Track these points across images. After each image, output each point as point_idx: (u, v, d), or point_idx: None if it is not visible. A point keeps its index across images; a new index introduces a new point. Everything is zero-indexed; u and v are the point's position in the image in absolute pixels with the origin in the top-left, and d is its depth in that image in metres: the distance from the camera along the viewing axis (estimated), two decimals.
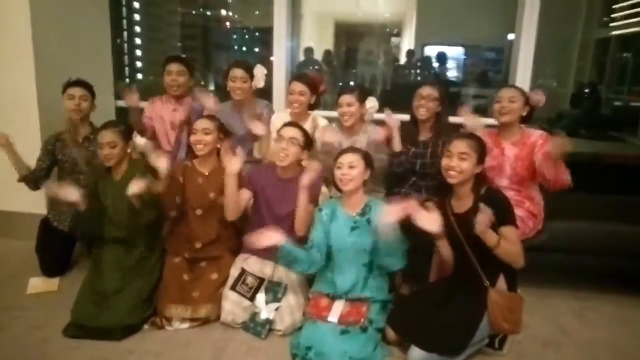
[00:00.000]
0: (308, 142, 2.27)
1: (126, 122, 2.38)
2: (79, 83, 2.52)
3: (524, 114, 2.33)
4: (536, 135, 2.32)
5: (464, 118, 2.31)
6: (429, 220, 1.82)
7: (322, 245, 2.08)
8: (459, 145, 1.89)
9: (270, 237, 1.92)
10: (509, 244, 1.79)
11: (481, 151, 1.91)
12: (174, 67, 2.68)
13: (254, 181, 2.28)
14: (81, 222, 2.28)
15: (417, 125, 2.55)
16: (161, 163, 2.12)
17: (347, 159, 2.02)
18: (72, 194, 2.09)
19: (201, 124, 2.26)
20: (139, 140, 2.29)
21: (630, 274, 2.57)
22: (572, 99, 4.21)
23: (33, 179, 2.48)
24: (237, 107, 2.73)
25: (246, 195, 2.23)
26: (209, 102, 2.53)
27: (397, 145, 2.48)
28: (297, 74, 2.91)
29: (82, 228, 2.34)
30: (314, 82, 2.63)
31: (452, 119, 2.61)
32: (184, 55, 3.12)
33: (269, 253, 2.23)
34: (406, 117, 2.64)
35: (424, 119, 2.48)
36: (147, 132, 2.75)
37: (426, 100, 2.45)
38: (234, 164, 2.09)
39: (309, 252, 2.06)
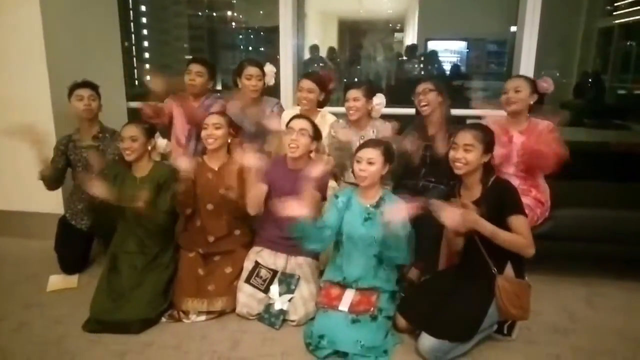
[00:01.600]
0: (317, 134, 2.32)
1: (147, 123, 2.44)
2: (86, 84, 2.58)
3: (532, 102, 2.37)
4: (543, 124, 2.36)
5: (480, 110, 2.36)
6: (450, 216, 1.84)
7: (333, 227, 2.10)
8: (465, 137, 1.92)
9: (294, 208, 1.93)
10: (510, 234, 1.82)
11: (487, 141, 1.93)
12: (193, 67, 2.76)
13: (266, 174, 2.32)
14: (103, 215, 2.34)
15: (423, 119, 2.59)
16: (183, 163, 2.18)
17: (367, 154, 2.04)
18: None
19: (212, 119, 2.32)
20: (160, 141, 2.34)
21: (638, 260, 2.60)
22: (575, 89, 4.20)
23: (51, 179, 2.54)
24: (248, 105, 2.78)
25: (264, 189, 2.28)
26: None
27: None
28: (307, 72, 2.97)
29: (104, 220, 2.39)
30: (323, 80, 2.69)
31: (459, 112, 2.64)
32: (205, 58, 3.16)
33: (282, 246, 2.30)
34: (411, 110, 2.68)
35: (428, 113, 2.52)
36: (164, 117, 2.77)
37: (423, 94, 2.49)
38: (251, 158, 2.14)
39: (320, 230, 2.07)
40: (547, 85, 2.38)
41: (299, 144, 2.22)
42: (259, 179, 2.25)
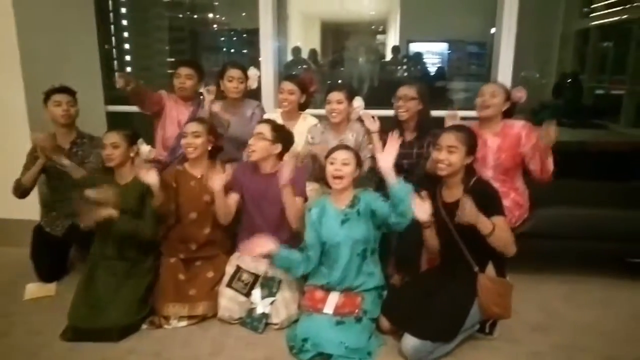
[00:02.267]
0: (282, 137, 2.30)
1: (130, 128, 2.40)
2: (64, 89, 2.52)
3: (504, 109, 2.38)
4: (518, 126, 2.36)
5: (447, 118, 2.40)
6: (420, 209, 1.87)
7: (315, 245, 2.12)
8: (448, 139, 1.94)
9: (263, 245, 1.97)
10: (500, 233, 1.83)
11: (470, 143, 1.95)
12: (183, 70, 2.74)
13: (238, 180, 2.32)
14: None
15: (401, 125, 2.58)
16: (151, 178, 2.13)
17: (341, 155, 2.06)
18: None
19: (191, 127, 2.29)
20: (144, 148, 2.30)
21: (616, 257, 2.65)
22: (554, 89, 4.29)
23: (24, 187, 2.47)
24: (230, 107, 2.76)
25: (235, 198, 2.29)
26: (208, 97, 2.59)
27: (378, 147, 2.51)
28: (289, 74, 2.97)
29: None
30: (304, 82, 2.69)
31: (437, 113, 2.65)
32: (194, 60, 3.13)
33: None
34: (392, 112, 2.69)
35: (404, 119, 2.51)
36: (147, 102, 2.72)
37: (403, 100, 2.48)
38: (216, 181, 2.15)
39: (304, 253, 2.10)
40: (520, 95, 2.39)
41: (255, 147, 2.23)
42: (229, 187, 2.27)
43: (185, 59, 2.92)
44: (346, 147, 2.13)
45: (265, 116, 2.79)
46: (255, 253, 1.99)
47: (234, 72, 2.69)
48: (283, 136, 2.31)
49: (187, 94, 2.78)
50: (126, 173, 2.28)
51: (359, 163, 2.11)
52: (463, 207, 1.78)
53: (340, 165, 2.04)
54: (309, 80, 2.76)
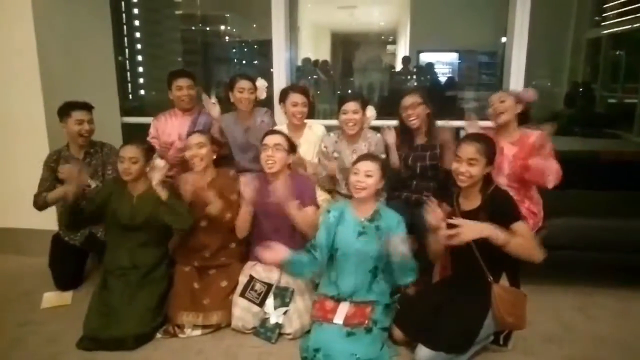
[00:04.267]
0: (292, 146, 2.34)
1: (143, 141, 2.45)
2: (84, 106, 2.54)
3: (518, 111, 2.39)
4: (535, 135, 2.35)
5: (467, 126, 2.41)
6: (432, 215, 1.89)
7: (323, 246, 2.09)
8: (468, 151, 1.92)
9: (276, 252, 1.99)
10: (522, 239, 1.80)
11: (490, 153, 1.94)
12: (184, 82, 2.77)
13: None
14: (69, 215, 2.30)
15: (411, 132, 2.59)
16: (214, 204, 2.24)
17: (365, 166, 2.05)
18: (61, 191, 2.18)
19: (194, 139, 2.34)
20: (158, 162, 2.32)
21: (631, 269, 2.62)
22: (566, 99, 4.27)
23: (47, 205, 2.51)
24: (241, 118, 2.80)
25: (248, 211, 2.30)
26: (214, 111, 2.63)
27: (395, 161, 2.54)
28: (293, 86, 3.01)
29: (68, 220, 2.33)
30: (308, 92, 2.75)
31: (450, 123, 2.67)
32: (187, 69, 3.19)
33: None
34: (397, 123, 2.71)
35: (417, 126, 2.53)
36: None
37: (412, 108, 2.50)
38: (213, 207, 2.21)
39: (310, 253, 2.08)
40: (529, 94, 2.40)
41: (276, 159, 2.25)
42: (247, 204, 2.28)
43: (180, 69, 2.92)
44: (372, 158, 2.10)
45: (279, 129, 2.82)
46: (269, 261, 2.01)
47: (245, 84, 2.72)
48: (292, 146, 2.35)
49: (189, 106, 2.82)
50: (140, 185, 2.30)
51: (384, 174, 2.09)
52: (457, 231, 1.78)
53: (363, 177, 2.03)
54: (308, 89, 2.83)
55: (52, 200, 2.47)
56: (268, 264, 2.09)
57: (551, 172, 2.19)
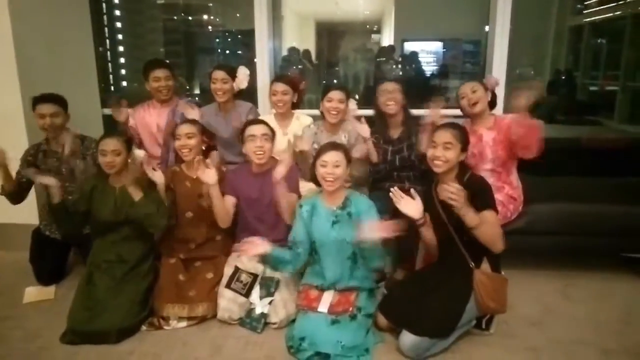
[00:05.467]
0: (274, 135, 2.35)
1: (121, 132, 2.41)
2: (47, 99, 2.42)
3: (489, 99, 2.45)
4: (509, 117, 2.43)
5: (430, 111, 2.37)
6: (411, 208, 1.92)
7: (304, 241, 2.12)
8: (444, 136, 1.96)
9: (257, 246, 1.98)
10: (489, 227, 1.86)
11: (464, 140, 1.99)
12: (161, 72, 2.72)
13: (232, 183, 2.34)
14: (63, 219, 2.28)
15: (386, 121, 2.60)
16: (158, 177, 2.19)
17: (332, 157, 2.03)
18: (48, 179, 2.15)
19: (184, 129, 2.31)
20: (138, 152, 2.29)
21: (610, 252, 2.68)
22: (548, 86, 4.31)
23: (16, 193, 2.45)
24: (222, 110, 2.77)
25: (232, 200, 2.30)
26: (192, 114, 2.57)
27: (374, 157, 2.54)
28: (278, 75, 2.98)
29: (65, 225, 2.33)
30: (294, 82, 2.70)
31: (417, 112, 2.67)
32: (166, 60, 3.15)
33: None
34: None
35: (393, 112, 2.54)
36: (135, 142, 2.74)
37: (392, 94, 2.51)
38: (208, 176, 2.14)
39: (292, 251, 2.11)
40: (492, 81, 2.48)
41: (265, 149, 2.24)
42: (225, 191, 2.27)
43: (155, 59, 2.86)
44: (335, 147, 2.08)
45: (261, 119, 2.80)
46: (250, 254, 2.01)
47: (217, 74, 2.68)
48: (274, 134, 2.35)
49: (167, 97, 2.77)
50: (122, 177, 2.26)
51: (348, 160, 2.09)
52: (448, 190, 1.80)
53: (332, 168, 2.03)
54: (298, 79, 2.79)
55: (38, 181, 2.28)
56: (249, 256, 2.08)
57: (536, 127, 2.24)
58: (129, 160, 2.25)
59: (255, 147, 2.24)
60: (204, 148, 2.38)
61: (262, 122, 2.35)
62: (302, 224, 2.13)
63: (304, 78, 2.90)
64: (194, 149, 2.30)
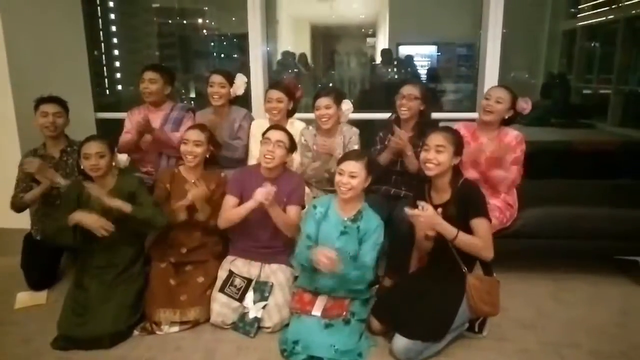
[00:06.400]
0: (293, 145, 2.33)
1: (109, 136, 2.40)
2: (52, 99, 2.49)
3: (507, 117, 2.40)
4: (512, 135, 2.40)
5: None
6: (426, 224, 1.89)
7: (314, 237, 2.12)
8: (436, 139, 1.96)
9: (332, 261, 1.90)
10: (472, 237, 1.87)
11: (458, 143, 1.98)
12: (146, 75, 2.74)
13: (239, 183, 2.32)
14: (51, 227, 2.23)
15: (399, 124, 2.58)
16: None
17: (349, 167, 2.03)
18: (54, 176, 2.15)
19: (193, 135, 2.30)
20: (120, 156, 2.27)
21: (603, 255, 2.69)
22: (542, 90, 4.33)
23: (26, 205, 2.47)
24: (217, 114, 2.77)
25: (232, 202, 2.28)
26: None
27: (412, 166, 2.45)
28: (273, 81, 2.98)
29: (50, 232, 2.27)
30: (290, 88, 2.70)
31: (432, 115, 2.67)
32: (162, 64, 3.15)
33: (255, 254, 2.31)
34: (384, 115, 2.71)
35: (406, 117, 2.51)
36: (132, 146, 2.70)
37: (407, 99, 2.48)
38: (261, 195, 2.09)
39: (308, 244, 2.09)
40: (526, 106, 2.40)
41: (275, 155, 2.22)
42: (225, 190, 2.29)
43: (151, 63, 2.88)
44: (356, 158, 2.07)
45: (254, 123, 2.80)
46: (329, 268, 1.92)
47: (214, 78, 2.70)
48: (294, 146, 2.34)
49: (154, 99, 2.77)
50: (108, 181, 2.23)
51: (369, 172, 2.07)
52: (419, 215, 1.82)
53: (348, 178, 2.03)
54: (294, 85, 2.78)
55: (29, 200, 2.42)
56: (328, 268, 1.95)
57: (504, 183, 2.36)
58: (113, 164, 2.23)
59: (266, 151, 2.23)
60: (207, 156, 2.38)
61: (282, 129, 2.32)
62: (314, 222, 2.12)
63: (299, 84, 2.88)
64: (199, 156, 2.31)
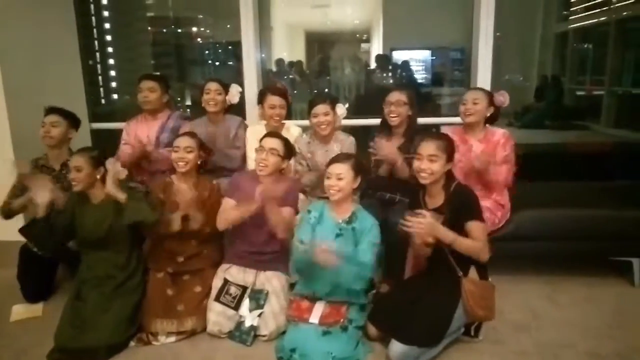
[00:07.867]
0: (289, 152, 2.33)
1: (102, 147, 2.39)
2: (52, 110, 2.51)
3: (489, 114, 2.44)
4: (499, 134, 2.44)
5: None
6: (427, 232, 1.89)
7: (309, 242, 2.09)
8: (428, 148, 1.96)
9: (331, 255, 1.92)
10: (470, 240, 1.88)
11: (450, 150, 1.99)
12: (144, 84, 2.76)
13: (235, 186, 2.33)
14: (44, 235, 2.25)
15: (389, 130, 2.59)
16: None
17: (336, 169, 2.05)
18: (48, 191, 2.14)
19: (184, 142, 2.31)
20: (116, 167, 2.27)
21: (598, 256, 2.69)
22: (536, 92, 4.36)
23: (9, 210, 2.44)
24: (212, 122, 2.79)
25: (231, 203, 2.28)
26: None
27: (402, 173, 2.45)
28: (271, 87, 2.99)
29: (41, 239, 2.31)
30: (286, 93, 2.73)
31: (425, 120, 2.69)
32: (158, 73, 3.17)
33: (250, 261, 2.31)
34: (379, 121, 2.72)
35: (396, 124, 2.53)
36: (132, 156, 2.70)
37: (395, 105, 2.49)
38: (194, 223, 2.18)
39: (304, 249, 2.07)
40: (503, 99, 2.44)
41: (268, 163, 2.23)
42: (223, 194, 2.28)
43: (147, 73, 2.91)
44: (343, 159, 2.09)
45: (249, 129, 2.81)
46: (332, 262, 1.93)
47: (210, 85, 2.73)
48: (290, 152, 2.34)
49: (152, 107, 2.79)
50: (98, 193, 2.23)
51: (357, 172, 2.08)
52: (420, 223, 1.82)
53: (335, 181, 2.04)
54: (286, 90, 2.82)
55: (16, 208, 2.40)
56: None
57: (497, 183, 2.36)
58: (98, 177, 2.21)
59: (259, 159, 2.24)
60: (199, 162, 2.38)
61: (277, 136, 2.32)
62: (309, 227, 2.13)
63: (295, 90, 2.92)
64: (190, 162, 2.31)
